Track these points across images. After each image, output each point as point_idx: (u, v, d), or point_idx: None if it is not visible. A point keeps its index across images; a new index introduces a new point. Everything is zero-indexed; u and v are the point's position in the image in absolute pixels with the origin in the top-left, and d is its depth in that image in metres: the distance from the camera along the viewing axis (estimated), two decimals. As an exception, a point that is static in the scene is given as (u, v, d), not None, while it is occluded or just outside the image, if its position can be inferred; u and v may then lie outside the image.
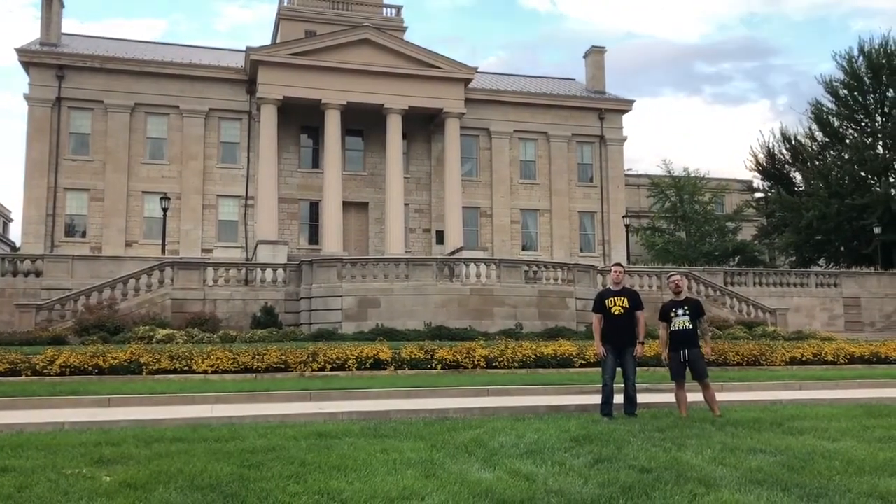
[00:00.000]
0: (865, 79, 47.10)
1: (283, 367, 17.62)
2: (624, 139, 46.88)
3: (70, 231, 38.66)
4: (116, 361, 16.88)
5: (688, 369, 11.11)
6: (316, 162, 41.62)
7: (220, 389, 14.32)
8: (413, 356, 18.50)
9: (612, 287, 11.57)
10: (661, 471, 6.82)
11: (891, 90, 46.25)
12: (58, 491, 6.06)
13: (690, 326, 11.08)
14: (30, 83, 38.47)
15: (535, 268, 29.33)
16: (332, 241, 38.19)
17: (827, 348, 22.40)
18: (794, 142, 50.59)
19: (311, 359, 17.88)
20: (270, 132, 38.54)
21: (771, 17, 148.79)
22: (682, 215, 50.83)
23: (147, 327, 23.57)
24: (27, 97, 38.25)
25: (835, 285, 38.71)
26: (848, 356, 22.22)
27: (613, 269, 11.73)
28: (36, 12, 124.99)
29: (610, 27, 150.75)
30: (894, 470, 6.94)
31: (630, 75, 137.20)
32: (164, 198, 35.67)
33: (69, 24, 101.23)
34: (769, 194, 51.75)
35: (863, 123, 48.18)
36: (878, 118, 47.40)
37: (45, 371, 16.38)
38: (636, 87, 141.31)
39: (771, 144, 51.68)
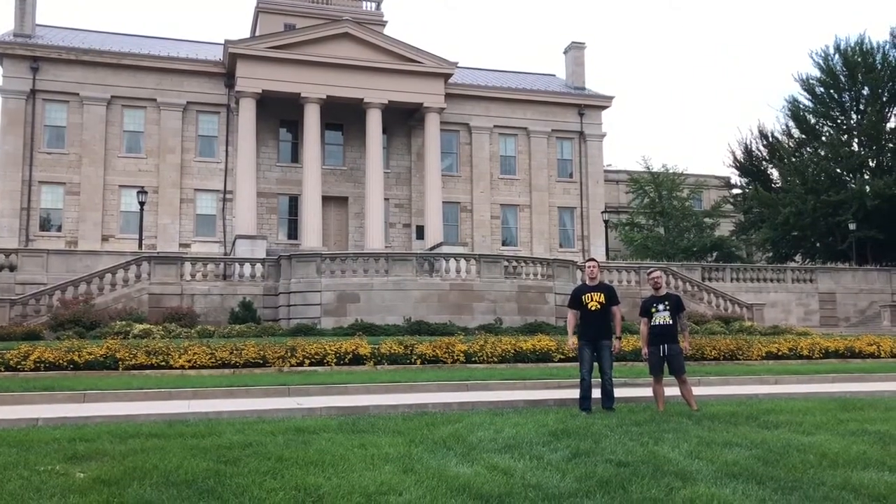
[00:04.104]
0: (841, 77, 47.66)
1: (261, 362, 17.54)
2: (603, 135, 47.07)
3: (45, 225, 38.15)
4: (92, 357, 16.72)
5: (666, 364, 11.18)
6: (295, 156, 41.40)
7: (197, 385, 14.21)
8: (392, 351, 18.48)
9: (587, 282, 11.60)
10: (639, 465, 6.86)
11: (866, 88, 46.83)
12: (30, 488, 5.98)
13: (671, 321, 11.13)
14: (3, 75, 37.87)
15: (514, 263, 29.42)
16: (312, 236, 38.03)
17: (802, 343, 22.65)
18: (771, 139, 51.11)
19: (289, 354, 17.80)
20: (249, 126, 38.26)
21: (750, 12, 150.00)
22: (661, 211, 51.18)
23: (124, 322, 23.34)
24: (0, 89, 37.67)
25: (810, 281, 39.20)
26: (823, 351, 22.49)
27: (588, 264, 11.77)
28: (9, 2, 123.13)
29: (590, 21, 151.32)
30: (867, 463, 7.03)
31: (612, 71, 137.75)
32: (142, 192, 35.30)
33: (50, 15, 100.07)
34: (746, 190, 52.22)
35: (839, 121, 48.77)
36: (854, 116, 48.01)
37: (19, 367, 16.18)
38: (617, 82, 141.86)
39: (748, 141, 52.23)
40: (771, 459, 7.15)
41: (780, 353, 21.80)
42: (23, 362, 16.26)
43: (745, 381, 16.47)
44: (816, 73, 48.78)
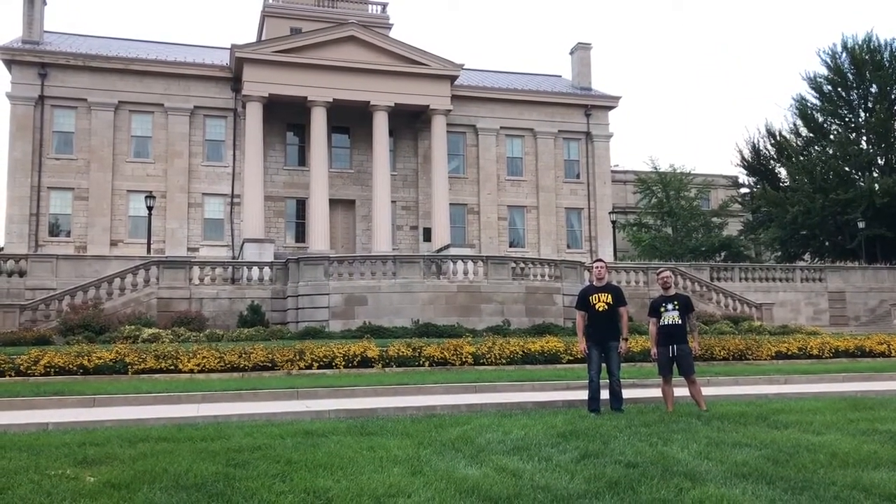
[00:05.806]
0: (849, 75, 47.49)
1: (269, 365, 17.57)
2: (610, 135, 46.99)
3: (54, 230, 38.32)
4: (101, 361, 16.77)
5: (675, 364, 11.14)
6: (302, 160, 41.46)
7: (206, 388, 14.24)
8: (400, 353, 18.48)
9: (595, 283, 11.58)
10: (648, 465, 6.84)
11: (874, 86, 46.64)
12: (40, 492, 6.00)
13: (680, 321, 11.09)
14: (12, 81, 38.06)
15: (522, 264, 29.39)
16: (319, 239, 38.07)
17: (812, 342, 22.55)
18: (778, 137, 50.92)
19: (297, 357, 17.83)
20: (256, 130, 38.34)
21: (754, 11, 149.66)
22: (669, 211, 51.04)
23: (133, 327, 23.43)
24: (9, 95, 37.85)
25: (820, 280, 39.01)
26: (833, 350, 22.38)
27: (596, 265, 11.74)
28: (18, 9, 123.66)
29: (595, 22, 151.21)
30: (878, 462, 6.99)
31: (618, 71, 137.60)
32: (150, 196, 35.43)
33: (56, 22, 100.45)
34: (754, 190, 52.06)
35: (846, 119, 48.58)
36: (862, 113, 47.81)
37: (29, 371, 16.25)
38: (623, 82, 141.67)
39: (756, 140, 52.08)
40: (781, 459, 7.12)
41: (789, 353, 21.72)
42: (33, 367, 16.33)
43: (755, 380, 16.41)
44: (824, 71, 48.70)
